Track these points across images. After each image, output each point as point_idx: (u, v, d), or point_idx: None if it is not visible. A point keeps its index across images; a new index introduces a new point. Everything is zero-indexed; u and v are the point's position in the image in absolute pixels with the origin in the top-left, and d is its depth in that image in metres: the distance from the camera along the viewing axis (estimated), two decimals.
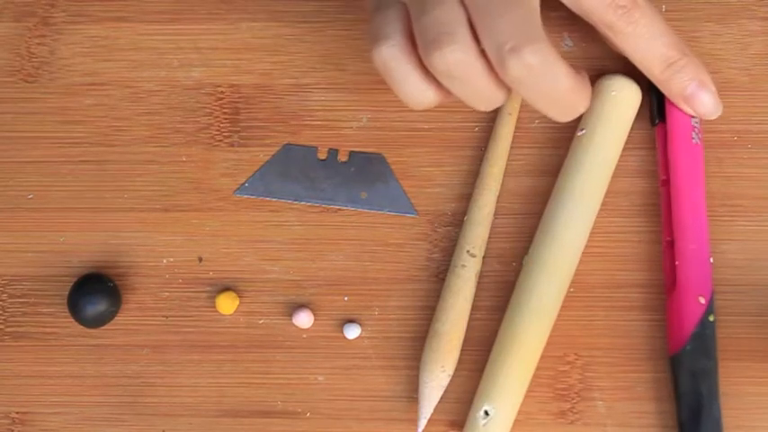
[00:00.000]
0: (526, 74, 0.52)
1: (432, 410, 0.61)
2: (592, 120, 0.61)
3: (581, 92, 0.54)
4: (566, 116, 0.55)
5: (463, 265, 0.62)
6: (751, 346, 0.61)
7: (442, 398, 0.61)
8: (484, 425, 0.59)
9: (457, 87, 0.53)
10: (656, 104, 0.61)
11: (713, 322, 0.59)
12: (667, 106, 0.61)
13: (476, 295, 0.62)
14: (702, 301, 0.58)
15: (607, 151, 0.61)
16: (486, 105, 0.55)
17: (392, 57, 0.54)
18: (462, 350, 0.62)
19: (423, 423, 0.61)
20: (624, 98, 0.62)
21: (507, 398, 0.59)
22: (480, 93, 0.54)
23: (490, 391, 0.59)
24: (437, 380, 0.61)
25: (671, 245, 0.60)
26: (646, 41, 0.58)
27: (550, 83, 0.52)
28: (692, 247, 0.59)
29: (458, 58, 0.52)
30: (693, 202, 0.60)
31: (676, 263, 0.59)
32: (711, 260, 0.60)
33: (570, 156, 0.62)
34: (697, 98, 0.60)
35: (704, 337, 0.58)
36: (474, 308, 0.62)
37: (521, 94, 0.53)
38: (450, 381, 0.61)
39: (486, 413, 0.59)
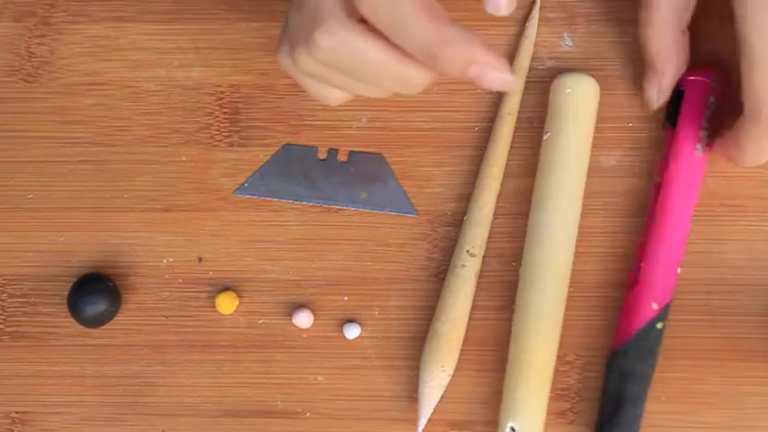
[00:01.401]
0: (328, 58, 0.51)
1: (432, 410, 0.61)
2: (554, 121, 0.62)
3: (412, 65, 0.51)
4: (413, 89, 0.52)
5: (463, 265, 0.62)
6: (751, 346, 0.61)
7: (441, 398, 0.61)
8: None
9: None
10: (672, 109, 0.61)
11: (660, 330, 0.59)
12: (681, 114, 0.60)
13: (476, 295, 0.62)
14: (655, 306, 0.59)
15: (574, 149, 0.61)
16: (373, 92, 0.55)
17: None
18: (462, 350, 0.62)
19: (423, 423, 0.61)
20: (581, 94, 0.62)
21: (529, 412, 0.59)
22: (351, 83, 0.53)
23: (512, 408, 0.59)
24: (437, 379, 0.61)
25: (644, 245, 0.60)
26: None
27: (358, 59, 0.50)
28: (662, 252, 0.59)
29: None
30: (678, 211, 0.59)
31: (641, 263, 0.59)
32: (679, 271, 0.60)
33: (541, 160, 0.62)
34: None
35: (645, 340, 0.59)
36: (474, 308, 0.62)
37: (343, 79, 0.53)
38: (451, 381, 0.61)
39: (513, 430, 0.59)
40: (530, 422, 0.59)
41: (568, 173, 0.61)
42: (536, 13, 0.64)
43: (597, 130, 0.63)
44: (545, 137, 0.62)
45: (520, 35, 0.64)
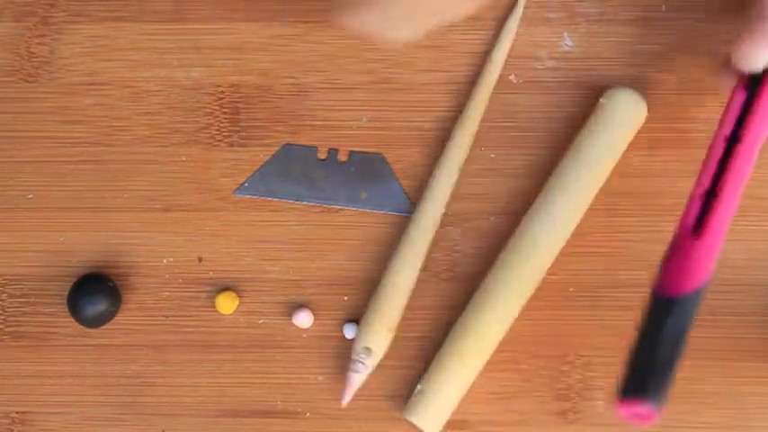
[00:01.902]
0: None
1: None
2: (588, 132, 0.62)
3: None
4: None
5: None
6: (751, 346, 0.61)
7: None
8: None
9: None
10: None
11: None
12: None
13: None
14: (713, 265, 0.57)
15: (608, 163, 0.62)
16: None
17: None
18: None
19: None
20: (625, 111, 0.62)
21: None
22: None
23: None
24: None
25: (706, 195, 0.57)
26: None
27: None
28: (733, 204, 0.58)
29: None
30: (751, 164, 0.58)
31: (713, 217, 0.57)
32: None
33: (566, 162, 0.62)
34: None
35: (701, 296, 0.56)
36: None
37: None
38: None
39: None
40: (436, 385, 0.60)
41: (588, 183, 0.62)
42: (520, 7, 0.64)
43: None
44: (578, 139, 0.62)
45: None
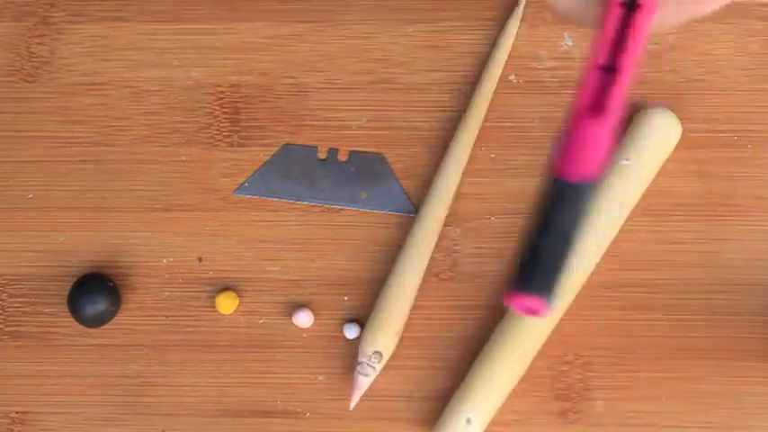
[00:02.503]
0: None
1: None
2: (636, 152, 0.62)
3: None
4: None
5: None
6: (751, 346, 0.61)
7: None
8: None
9: None
10: None
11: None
12: None
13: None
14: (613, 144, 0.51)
15: (644, 184, 0.62)
16: None
17: None
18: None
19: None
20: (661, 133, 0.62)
21: (489, 407, 0.60)
22: None
23: (476, 399, 0.60)
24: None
25: (603, 70, 0.52)
26: None
27: None
28: (629, 83, 0.52)
29: None
30: (647, 34, 0.53)
31: (613, 92, 0.51)
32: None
33: (607, 183, 0.62)
34: None
35: (600, 179, 0.51)
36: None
37: None
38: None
39: (469, 421, 0.59)
40: (484, 416, 0.60)
41: (626, 199, 0.62)
42: (520, 7, 0.64)
43: None
44: (622, 162, 0.62)
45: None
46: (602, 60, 0.51)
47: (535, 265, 0.49)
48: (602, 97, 0.51)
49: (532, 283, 0.48)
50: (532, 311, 0.48)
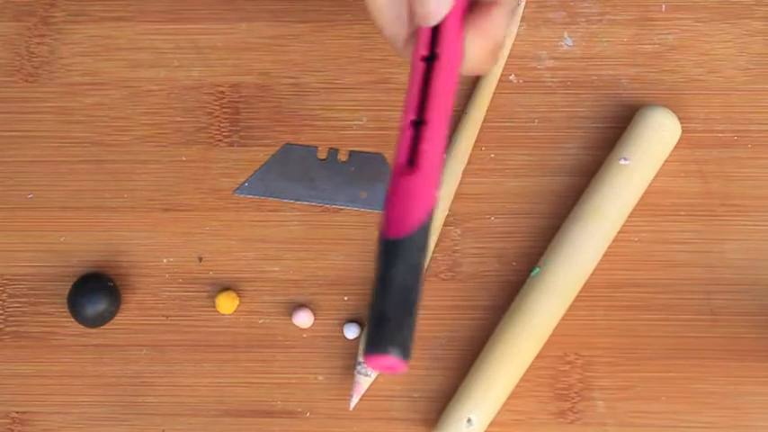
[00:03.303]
0: None
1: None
2: (635, 151, 0.62)
3: None
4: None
5: None
6: (751, 346, 0.61)
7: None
8: None
9: None
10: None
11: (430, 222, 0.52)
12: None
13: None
14: (436, 195, 0.52)
15: (643, 184, 0.62)
16: None
17: None
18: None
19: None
20: (666, 132, 0.62)
21: (490, 407, 0.60)
22: None
23: (477, 399, 0.60)
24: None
25: (414, 125, 0.52)
26: None
27: None
28: (443, 134, 0.52)
29: None
30: (455, 86, 0.53)
31: (422, 145, 0.51)
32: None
33: (606, 183, 0.62)
34: None
35: (427, 231, 0.51)
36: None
37: None
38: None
39: (470, 421, 0.59)
40: (486, 415, 0.60)
41: (627, 203, 0.62)
42: (521, 7, 0.64)
43: (596, 128, 0.63)
44: (621, 162, 0.62)
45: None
46: (412, 116, 0.51)
47: (383, 325, 0.48)
48: (416, 152, 0.50)
49: (383, 343, 0.47)
50: (390, 369, 0.48)
